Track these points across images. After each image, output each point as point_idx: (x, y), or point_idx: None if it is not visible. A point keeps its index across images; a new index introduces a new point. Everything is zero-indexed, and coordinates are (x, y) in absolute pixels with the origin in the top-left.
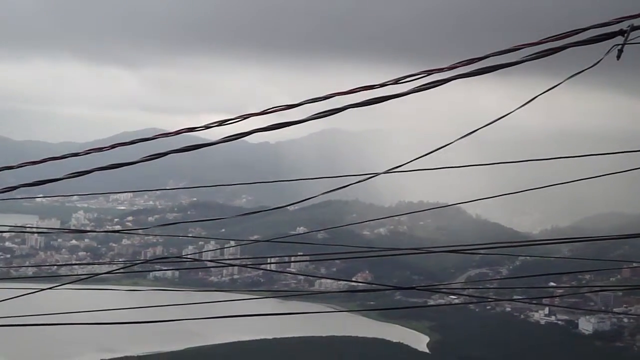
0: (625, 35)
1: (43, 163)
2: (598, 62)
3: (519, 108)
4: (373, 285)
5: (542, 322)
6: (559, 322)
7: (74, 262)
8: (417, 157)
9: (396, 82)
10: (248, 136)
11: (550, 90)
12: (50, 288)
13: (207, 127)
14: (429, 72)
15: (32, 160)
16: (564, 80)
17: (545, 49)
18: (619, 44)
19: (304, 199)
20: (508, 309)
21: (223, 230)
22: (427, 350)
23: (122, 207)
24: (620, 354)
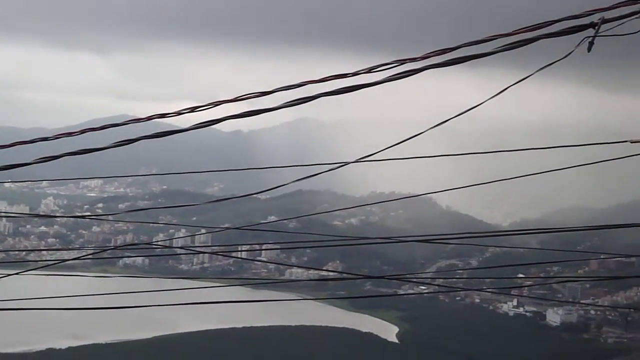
0: (597, 27)
1: (11, 147)
2: (569, 53)
3: (490, 99)
4: (343, 275)
5: (511, 313)
6: (527, 313)
7: (42, 248)
8: (387, 146)
9: (369, 71)
10: (220, 124)
11: (520, 82)
12: (17, 273)
13: (178, 113)
14: (402, 62)
15: (0, 144)
16: (536, 72)
17: (518, 40)
18: (589, 37)
19: (274, 186)
20: (477, 300)
21: (194, 218)
22: (396, 340)
23: (92, 194)
24: (587, 346)
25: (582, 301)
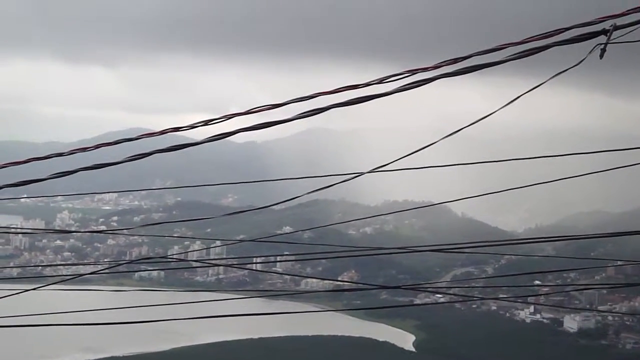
0: (608, 34)
1: (27, 163)
2: (582, 60)
3: (503, 107)
4: (359, 285)
5: (528, 320)
6: (544, 320)
7: (58, 262)
8: (401, 156)
9: (380, 81)
10: (233, 136)
11: (533, 90)
12: (34, 289)
13: (192, 126)
14: (413, 72)
15: (16, 160)
16: (549, 79)
17: (529, 49)
18: (601, 43)
19: (289, 198)
20: (494, 308)
21: (209, 230)
22: (413, 349)
23: (107, 207)
24: (604, 352)
25: (599, 307)
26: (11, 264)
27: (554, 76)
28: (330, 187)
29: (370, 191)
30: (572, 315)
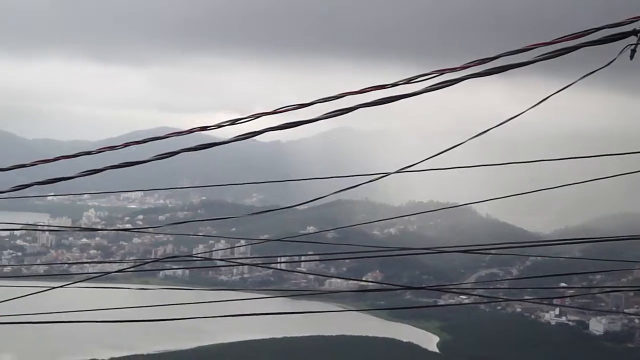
0: (639, 35)
1: (54, 162)
2: (612, 61)
3: (531, 107)
4: (383, 285)
5: (553, 322)
6: (570, 322)
7: (84, 260)
8: (427, 157)
9: (408, 81)
10: (259, 135)
11: (561, 91)
12: (61, 286)
13: (219, 126)
14: (441, 72)
15: (45, 158)
16: (578, 80)
17: (558, 49)
18: (632, 44)
19: (314, 198)
20: (518, 309)
21: (233, 229)
22: (437, 350)
23: (133, 206)
24: (631, 355)
25: (625, 310)
26: (38, 262)
27: (583, 77)
28: (355, 188)
29: (394, 192)
30: (598, 317)
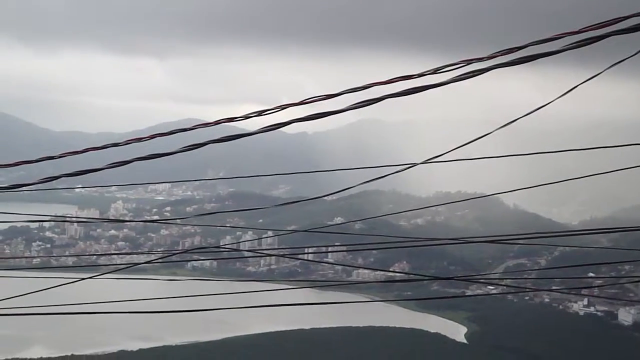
0: None
1: (82, 154)
2: None
3: (559, 97)
4: (410, 276)
5: (581, 312)
6: (598, 312)
7: (113, 252)
8: (454, 147)
9: (435, 71)
10: (285, 127)
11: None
12: (90, 277)
13: (246, 117)
14: (468, 62)
15: (73, 150)
16: (607, 69)
17: (586, 38)
18: None
19: (341, 189)
20: (547, 300)
21: (260, 220)
22: (465, 341)
23: (161, 198)
24: None
25: None
26: (67, 253)
27: (611, 66)
28: (382, 179)
29: (422, 182)
30: (626, 308)
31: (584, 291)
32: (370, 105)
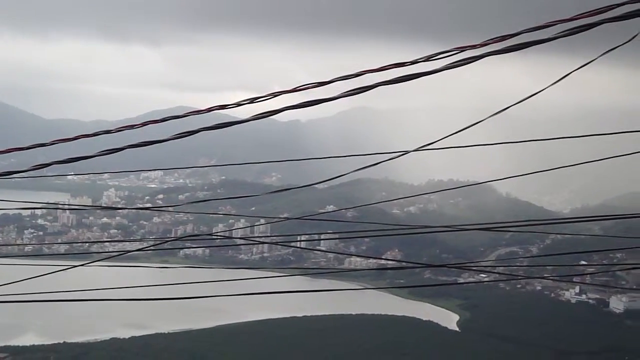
0: None
1: (74, 141)
2: (633, 37)
3: (551, 85)
4: (403, 264)
5: (573, 300)
6: (590, 300)
7: (105, 239)
8: (446, 135)
9: (427, 59)
10: (277, 114)
11: (580, 68)
12: (82, 265)
13: (238, 104)
14: (461, 49)
15: (64, 137)
16: (599, 57)
17: (579, 26)
18: None
19: (333, 177)
20: (538, 288)
21: (253, 208)
22: (457, 329)
23: (153, 185)
24: None
25: None
26: (59, 241)
27: (603, 54)
28: (374, 166)
29: (414, 170)
30: (618, 295)
31: (575, 279)
32: (363, 93)
